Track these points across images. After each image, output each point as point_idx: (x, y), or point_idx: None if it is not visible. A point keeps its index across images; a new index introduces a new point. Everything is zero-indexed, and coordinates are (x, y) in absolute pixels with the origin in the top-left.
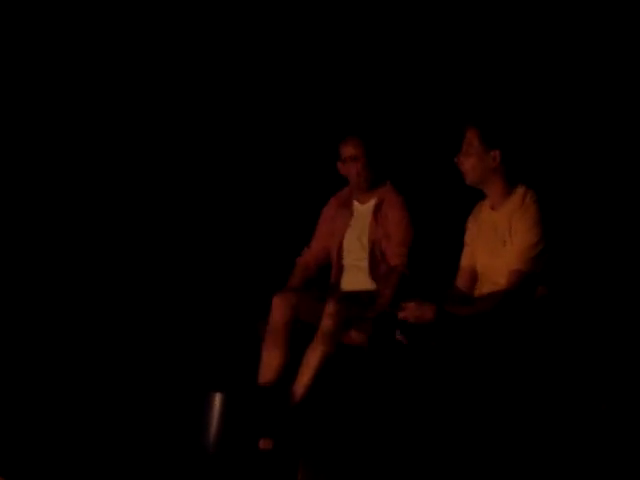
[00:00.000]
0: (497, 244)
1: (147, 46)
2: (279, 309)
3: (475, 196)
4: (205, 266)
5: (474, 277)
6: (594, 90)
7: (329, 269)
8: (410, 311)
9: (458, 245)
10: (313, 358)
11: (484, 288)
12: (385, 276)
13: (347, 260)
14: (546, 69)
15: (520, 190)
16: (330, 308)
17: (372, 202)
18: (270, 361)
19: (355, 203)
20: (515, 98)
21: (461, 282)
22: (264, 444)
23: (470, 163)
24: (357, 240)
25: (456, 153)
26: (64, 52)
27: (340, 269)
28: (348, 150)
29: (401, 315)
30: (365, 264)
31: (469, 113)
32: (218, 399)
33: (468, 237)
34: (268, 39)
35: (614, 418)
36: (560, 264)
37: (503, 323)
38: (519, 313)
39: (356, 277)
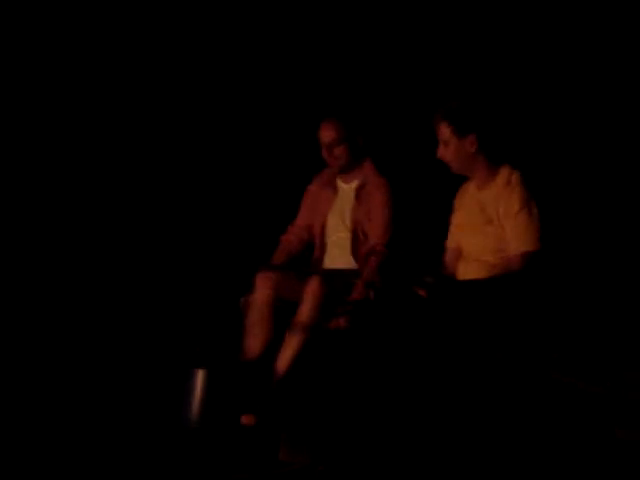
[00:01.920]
0: (483, 223)
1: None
2: (262, 287)
3: (460, 175)
4: (189, 243)
5: (459, 256)
6: (562, 64)
7: (312, 247)
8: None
9: (442, 225)
10: (295, 336)
11: (467, 266)
12: (365, 257)
13: (330, 239)
14: (510, 46)
15: (505, 170)
16: (311, 287)
17: (355, 182)
18: (253, 338)
19: (339, 182)
20: (482, 79)
21: (447, 261)
22: (246, 420)
23: (451, 154)
24: (340, 219)
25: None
26: (64, 52)
27: (323, 247)
28: (325, 136)
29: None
30: (347, 243)
31: (436, 107)
32: (200, 375)
33: (454, 217)
34: (247, 24)
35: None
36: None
37: (503, 301)
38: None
39: (338, 256)
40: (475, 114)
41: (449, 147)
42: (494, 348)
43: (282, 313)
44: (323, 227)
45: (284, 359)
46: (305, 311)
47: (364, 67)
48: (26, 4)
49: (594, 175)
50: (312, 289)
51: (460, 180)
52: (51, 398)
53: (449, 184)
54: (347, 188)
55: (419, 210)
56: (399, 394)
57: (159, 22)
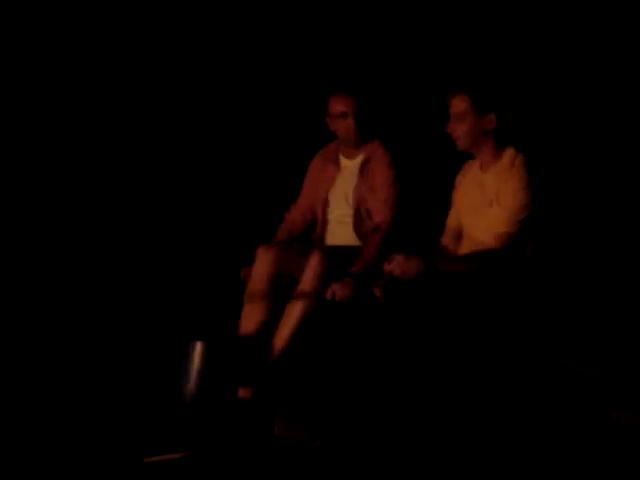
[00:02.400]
0: (483, 204)
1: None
2: (262, 262)
3: (463, 155)
4: (190, 217)
5: (459, 235)
6: (580, 48)
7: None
8: (397, 264)
9: (444, 204)
10: (294, 311)
11: (468, 246)
12: (370, 234)
13: (332, 215)
14: (532, 29)
15: (509, 152)
16: (312, 262)
17: (359, 158)
18: (252, 312)
19: (342, 158)
20: (502, 60)
21: (446, 240)
22: (243, 393)
23: (463, 129)
24: (343, 195)
25: (445, 111)
26: (64, 52)
27: (325, 224)
28: (337, 106)
29: (387, 268)
30: (350, 220)
31: (454, 80)
32: (198, 348)
33: (455, 195)
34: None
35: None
36: (549, 224)
37: (489, 282)
38: (505, 272)
39: (340, 232)
40: (499, 93)
41: (463, 122)
42: (490, 332)
43: (282, 287)
44: (325, 203)
45: (282, 334)
46: (305, 286)
47: (378, 45)
48: (26, 4)
49: (600, 163)
50: (313, 264)
51: (462, 156)
52: (48, 373)
53: (453, 162)
54: (350, 164)
55: (424, 188)
56: (396, 370)
57: (157, 16)
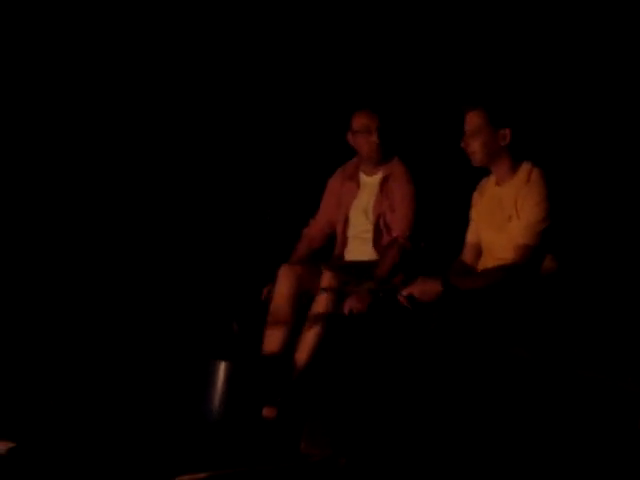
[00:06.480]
0: (502, 219)
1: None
2: (284, 281)
3: (481, 171)
4: (211, 235)
5: (479, 252)
6: (597, 63)
7: (334, 240)
8: (415, 285)
9: (463, 219)
10: (312, 330)
11: (488, 263)
12: (385, 247)
13: (352, 232)
14: (548, 45)
15: (526, 167)
16: (324, 281)
17: (379, 175)
18: (275, 331)
19: (362, 175)
20: (518, 75)
21: (466, 257)
22: (268, 412)
23: (478, 144)
24: (363, 212)
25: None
26: (64, 52)
27: (345, 240)
28: (361, 121)
29: (406, 292)
30: (370, 235)
31: (470, 96)
32: (222, 367)
33: (473, 212)
34: (280, 11)
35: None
36: (569, 239)
37: (509, 297)
38: (525, 287)
39: (360, 248)
40: (513, 110)
41: (478, 137)
42: (512, 346)
43: (303, 306)
44: (345, 220)
45: (303, 351)
46: (319, 305)
47: (399, 62)
48: (26, 4)
49: (618, 173)
50: (325, 283)
51: (480, 174)
52: (72, 390)
53: (471, 178)
54: (370, 181)
55: (443, 204)
56: (420, 387)
57: (164, 20)
